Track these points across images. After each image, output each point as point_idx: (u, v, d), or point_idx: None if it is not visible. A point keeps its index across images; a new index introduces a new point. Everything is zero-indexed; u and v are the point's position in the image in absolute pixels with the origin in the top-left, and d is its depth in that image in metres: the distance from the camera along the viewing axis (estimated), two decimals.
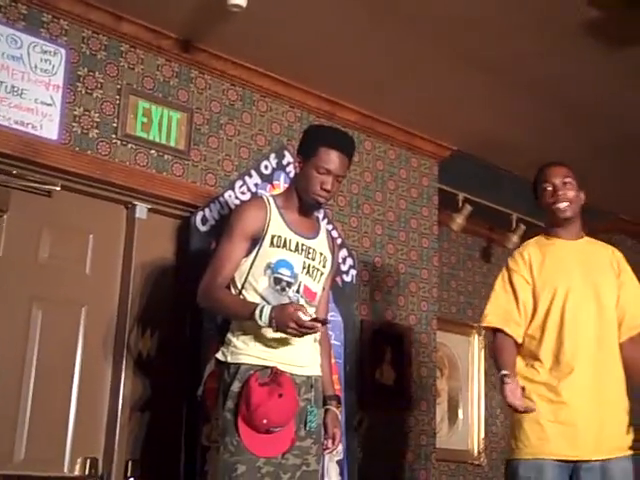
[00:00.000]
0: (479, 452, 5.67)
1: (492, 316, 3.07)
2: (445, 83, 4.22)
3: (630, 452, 2.95)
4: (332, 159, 2.85)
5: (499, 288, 3.10)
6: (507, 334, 3.01)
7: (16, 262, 3.45)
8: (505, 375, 2.84)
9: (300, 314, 2.62)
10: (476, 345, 5.84)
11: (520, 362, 3.01)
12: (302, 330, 2.63)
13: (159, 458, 3.60)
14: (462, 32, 3.72)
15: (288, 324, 2.60)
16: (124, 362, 3.60)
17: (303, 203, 2.92)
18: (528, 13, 3.55)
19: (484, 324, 3.13)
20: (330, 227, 4.06)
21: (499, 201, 5.54)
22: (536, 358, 2.99)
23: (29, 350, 3.43)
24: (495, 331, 3.05)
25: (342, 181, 2.96)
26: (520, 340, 3.03)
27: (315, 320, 2.67)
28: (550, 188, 3.08)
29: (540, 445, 2.89)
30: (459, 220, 5.42)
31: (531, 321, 3.03)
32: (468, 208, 5.42)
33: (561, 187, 3.07)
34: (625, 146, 4.87)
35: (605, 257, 3.14)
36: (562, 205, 3.06)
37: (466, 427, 5.69)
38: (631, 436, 2.98)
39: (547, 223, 3.19)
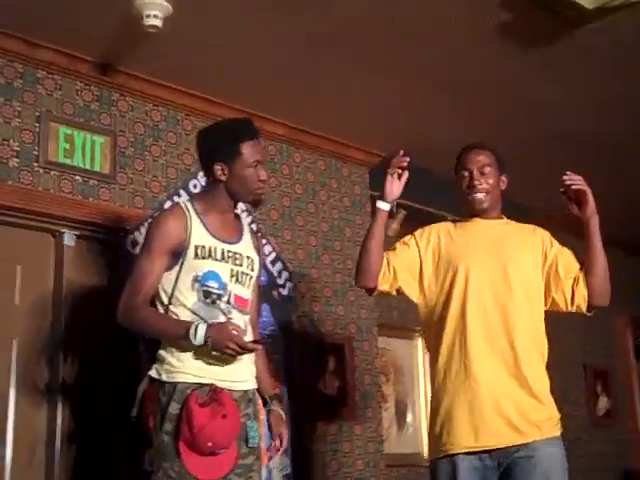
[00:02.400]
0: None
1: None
2: (368, 90, 4.25)
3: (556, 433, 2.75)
4: (256, 150, 2.79)
5: (398, 243, 2.95)
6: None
7: None
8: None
9: (240, 334, 2.60)
10: (420, 348, 5.86)
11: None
12: (242, 351, 2.60)
13: None
14: (381, 38, 3.75)
15: (227, 344, 2.55)
16: (59, 393, 3.54)
17: (236, 204, 2.84)
18: (446, 17, 3.60)
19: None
20: (264, 241, 4.06)
21: (433, 204, 5.59)
22: (439, 344, 2.81)
23: None
24: None
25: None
26: (381, 282, 2.86)
27: (255, 342, 2.66)
28: (466, 174, 2.89)
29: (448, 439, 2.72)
30: (394, 225, 5.42)
31: (434, 306, 2.85)
32: (402, 213, 5.44)
33: (478, 176, 2.87)
34: (555, 141, 4.96)
35: (524, 235, 2.92)
36: (478, 196, 2.87)
37: (415, 430, 5.71)
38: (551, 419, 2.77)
39: (464, 211, 2.97)
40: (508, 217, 3.01)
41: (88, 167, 3.76)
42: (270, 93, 4.24)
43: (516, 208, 5.75)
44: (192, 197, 2.95)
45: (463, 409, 2.71)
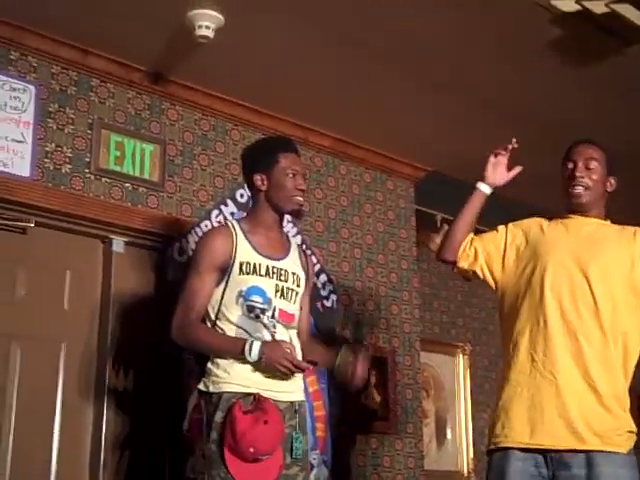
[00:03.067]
0: (469, 472, 5.64)
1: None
2: (415, 106, 4.26)
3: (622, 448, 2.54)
4: (294, 160, 2.88)
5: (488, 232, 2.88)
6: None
7: None
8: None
9: (294, 353, 2.68)
10: (461, 364, 5.83)
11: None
12: (295, 370, 2.67)
13: None
14: (429, 55, 3.76)
15: (282, 362, 2.63)
16: (105, 398, 3.58)
17: (280, 216, 2.89)
18: (495, 34, 3.60)
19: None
20: (309, 252, 4.07)
21: (479, 219, 5.56)
22: (508, 338, 2.72)
23: (8, 389, 3.40)
24: None
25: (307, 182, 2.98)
26: (461, 258, 2.82)
27: (310, 362, 2.72)
28: (571, 166, 2.73)
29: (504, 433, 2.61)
30: (438, 240, 5.39)
31: (509, 297, 2.75)
32: (446, 227, 5.41)
33: (582, 169, 2.71)
34: None
35: (621, 235, 2.72)
36: (577, 189, 2.70)
37: (455, 447, 5.66)
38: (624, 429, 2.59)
39: (564, 207, 2.80)
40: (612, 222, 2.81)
41: (137, 174, 3.81)
42: (317, 105, 4.26)
43: None
44: (239, 219, 3.03)
45: (523, 403, 2.59)
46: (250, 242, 2.81)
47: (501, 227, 2.88)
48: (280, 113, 4.32)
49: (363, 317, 4.60)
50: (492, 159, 2.85)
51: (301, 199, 2.87)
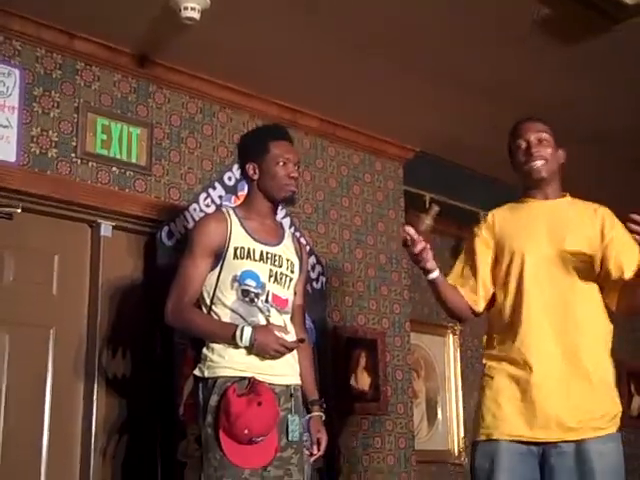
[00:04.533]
0: (459, 451, 5.66)
1: (450, 277, 2.83)
2: (401, 88, 4.24)
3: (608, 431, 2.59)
4: (286, 149, 2.91)
5: (461, 256, 2.86)
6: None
7: None
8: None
9: (283, 335, 2.71)
10: (451, 345, 5.83)
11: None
12: (286, 351, 2.72)
13: (136, 477, 3.57)
14: (416, 39, 3.74)
15: (274, 347, 2.68)
16: (96, 383, 3.58)
17: (274, 204, 2.92)
18: (478, 18, 3.58)
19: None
20: (298, 234, 4.06)
21: (466, 200, 5.56)
22: (498, 332, 2.75)
23: None
24: None
25: (300, 168, 2.99)
26: (474, 306, 2.79)
27: (298, 340, 2.78)
28: (524, 145, 2.76)
29: (495, 424, 2.61)
30: (427, 221, 5.37)
31: (494, 292, 2.78)
32: (435, 208, 5.38)
33: (535, 144, 2.74)
34: (584, 141, 4.91)
35: (584, 215, 2.78)
36: (537, 164, 2.73)
37: (445, 427, 5.68)
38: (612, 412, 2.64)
39: (522, 187, 2.85)
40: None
41: (125, 158, 3.78)
42: (305, 87, 4.24)
43: None
44: (234, 206, 3.10)
45: (514, 396, 2.61)
46: (245, 228, 2.85)
47: (476, 245, 2.82)
48: (268, 95, 4.29)
49: (352, 299, 4.60)
50: (412, 253, 2.65)
51: (293, 187, 2.90)
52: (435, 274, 2.70)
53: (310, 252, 4.29)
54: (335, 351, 4.39)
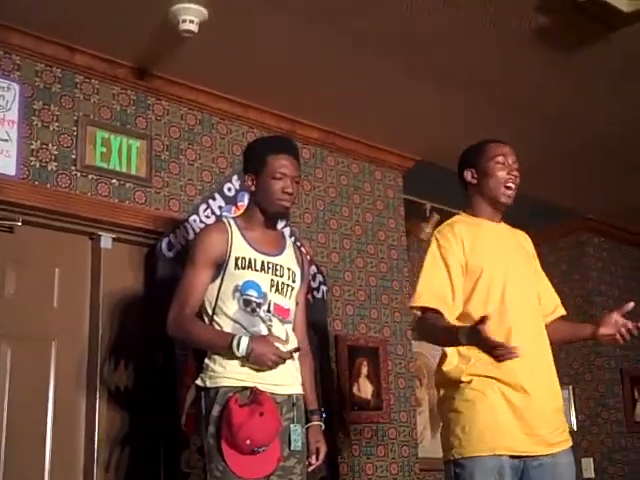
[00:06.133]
0: None
1: (427, 296, 2.67)
2: (402, 95, 4.25)
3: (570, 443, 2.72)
4: (283, 163, 2.87)
5: (431, 267, 2.71)
6: (441, 315, 2.65)
7: None
8: (461, 327, 2.49)
9: (280, 346, 2.70)
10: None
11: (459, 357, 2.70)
12: (281, 362, 2.70)
13: None
14: (416, 44, 3.75)
15: (270, 357, 2.67)
16: (98, 395, 3.57)
17: (268, 217, 2.91)
18: (481, 25, 3.60)
19: (417, 304, 2.70)
20: (298, 244, 4.07)
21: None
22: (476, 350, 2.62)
23: (0, 389, 3.39)
24: (425, 311, 2.69)
25: (299, 182, 2.96)
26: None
27: (293, 350, 2.76)
28: (506, 164, 2.76)
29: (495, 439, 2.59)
30: (427, 229, 5.43)
31: (464, 314, 2.69)
32: (436, 217, 5.44)
33: (514, 169, 2.76)
34: (587, 148, 4.94)
35: (524, 243, 2.90)
36: (511, 192, 2.76)
37: None
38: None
39: (476, 202, 2.81)
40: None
41: (124, 170, 3.80)
42: (304, 97, 4.25)
43: (551, 210, 5.79)
44: (235, 216, 3.09)
45: (508, 411, 2.60)
46: (245, 238, 2.85)
47: (439, 267, 2.72)
48: (267, 106, 4.31)
49: (354, 308, 4.60)
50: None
51: (287, 203, 2.87)
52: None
53: (310, 261, 4.30)
54: (337, 360, 4.39)
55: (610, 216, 6.13)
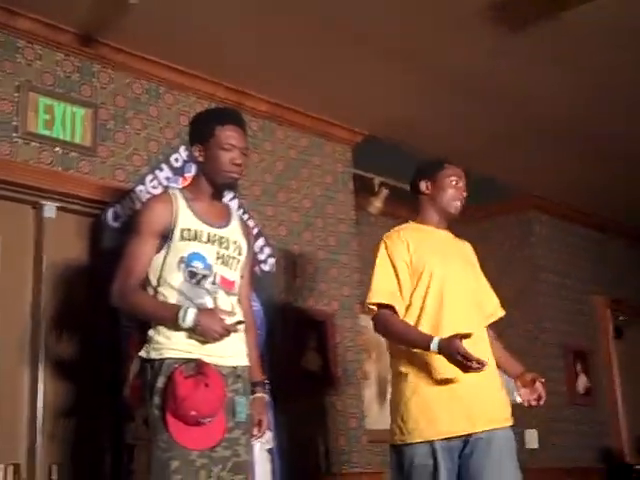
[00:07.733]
0: None
1: (380, 293, 3.00)
2: (351, 70, 4.26)
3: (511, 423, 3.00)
4: (231, 134, 2.84)
5: (381, 267, 3.05)
6: (395, 312, 2.98)
7: None
8: (440, 339, 2.80)
9: (225, 318, 2.69)
10: None
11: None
12: (227, 335, 2.69)
13: (84, 460, 3.54)
14: (364, 21, 3.76)
15: (217, 330, 2.65)
16: (42, 365, 3.53)
17: (216, 189, 2.88)
18: (429, 1, 3.61)
19: (374, 300, 3.00)
20: (246, 217, 4.05)
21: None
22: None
23: None
24: (380, 308, 2.99)
25: (247, 154, 2.94)
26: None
27: (239, 322, 2.75)
28: (459, 184, 3.12)
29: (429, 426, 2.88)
30: (377, 204, 5.45)
31: (408, 306, 3.01)
32: (385, 191, 5.46)
33: (463, 190, 3.15)
34: (534, 127, 5.00)
35: (467, 250, 3.24)
36: (460, 206, 3.12)
37: None
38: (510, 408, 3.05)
39: (426, 210, 3.16)
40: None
41: (68, 139, 3.73)
42: (253, 69, 4.23)
43: (498, 188, 5.86)
44: (181, 187, 3.07)
45: (443, 396, 2.87)
46: (192, 209, 2.82)
47: (389, 267, 3.04)
48: (215, 77, 4.27)
49: (302, 281, 4.60)
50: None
51: (235, 174, 2.86)
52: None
53: (259, 234, 4.29)
54: (285, 333, 4.39)
55: (557, 194, 6.23)
